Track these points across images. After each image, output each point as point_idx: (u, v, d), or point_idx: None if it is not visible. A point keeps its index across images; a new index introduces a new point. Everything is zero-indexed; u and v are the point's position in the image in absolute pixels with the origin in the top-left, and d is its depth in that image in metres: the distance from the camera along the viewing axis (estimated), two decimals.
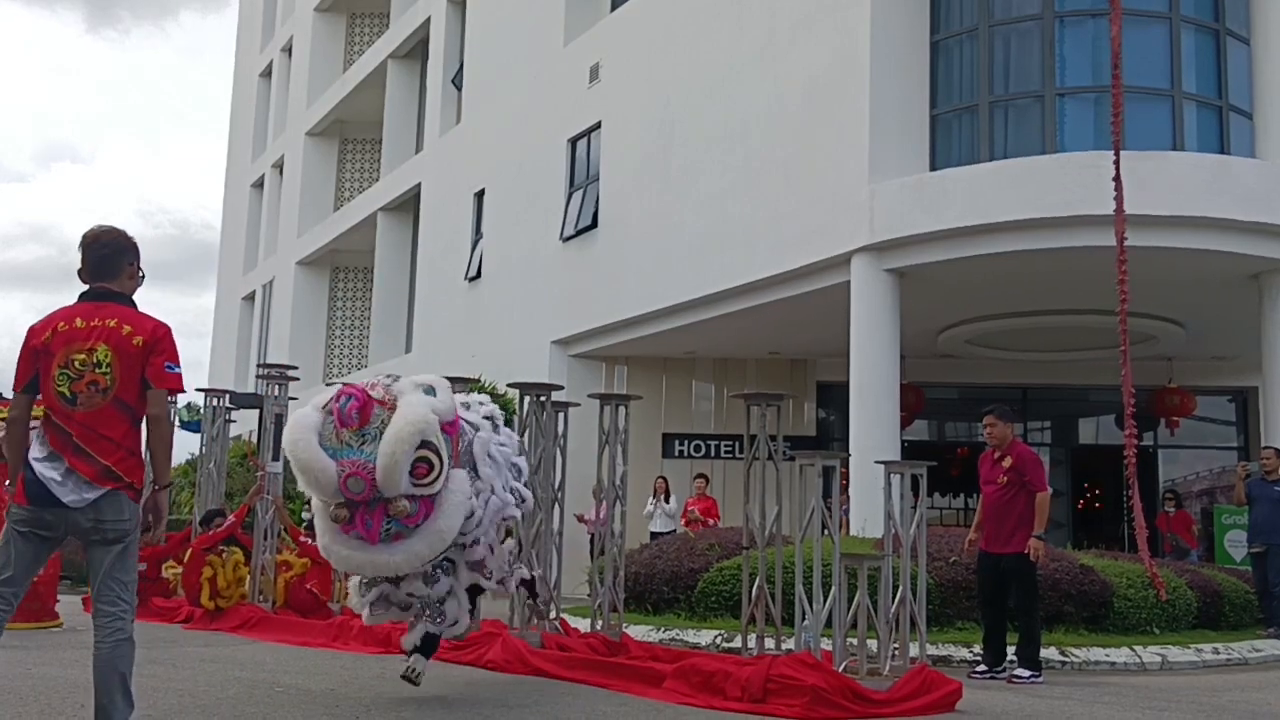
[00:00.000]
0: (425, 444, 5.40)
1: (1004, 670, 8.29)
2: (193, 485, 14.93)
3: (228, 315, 38.39)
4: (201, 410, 13.97)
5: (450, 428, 5.64)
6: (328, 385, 14.21)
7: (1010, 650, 8.39)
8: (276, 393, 11.57)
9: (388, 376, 5.84)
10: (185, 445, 25.42)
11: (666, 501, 15.97)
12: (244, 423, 21.59)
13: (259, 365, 17.46)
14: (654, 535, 14.91)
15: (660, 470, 17.57)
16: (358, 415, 5.44)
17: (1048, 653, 8.92)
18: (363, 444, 5.39)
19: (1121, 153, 11.20)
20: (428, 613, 6.03)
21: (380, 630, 8.17)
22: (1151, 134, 13.32)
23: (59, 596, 10.47)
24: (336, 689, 6.20)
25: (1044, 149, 13.44)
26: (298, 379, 12.29)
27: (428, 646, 6.03)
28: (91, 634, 4.15)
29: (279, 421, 11.38)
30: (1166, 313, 15.18)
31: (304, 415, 5.62)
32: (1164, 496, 17.15)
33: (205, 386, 16.02)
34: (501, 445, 6.46)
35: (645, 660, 7.61)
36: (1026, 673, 8.15)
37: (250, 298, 36.25)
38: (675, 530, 15.11)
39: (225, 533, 11.12)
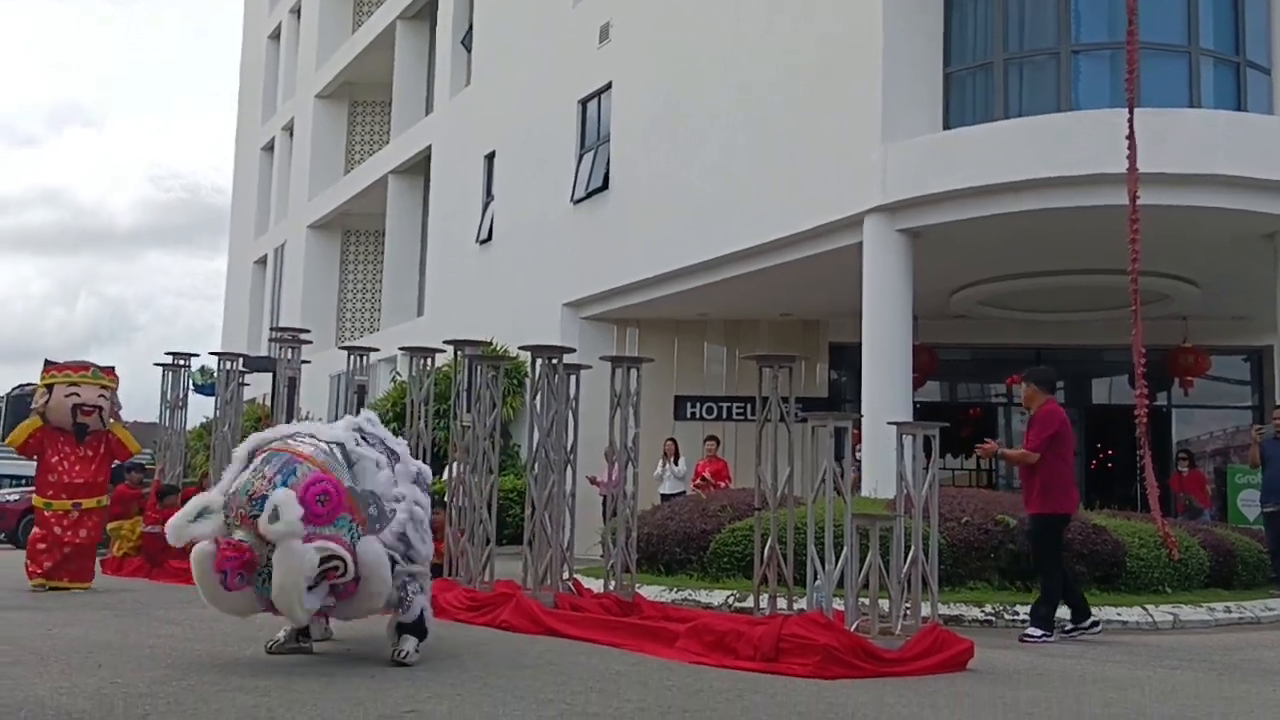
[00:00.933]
0: (323, 560, 5.36)
1: (1096, 625, 8.41)
2: (208, 449, 15.02)
3: (240, 279, 38.44)
4: (215, 374, 14.04)
5: (340, 502, 5.55)
6: (340, 349, 14.28)
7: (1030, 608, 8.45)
8: (290, 356, 11.62)
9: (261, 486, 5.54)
10: (200, 409, 25.57)
11: (675, 463, 15.99)
12: (257, 386, 21.68)
13: (272, 329, 17.51)
14: (664, 497, 14.95)
15: (672, 433, 17.59)
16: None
17: (1060, 612, 8.96)
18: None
19: (1136, 110, 11.10)
20: (399, 607, 5.95)
21: None
22: (1168, 91, 13.18)
23: None
24: (352, 649, 6.26)
25: (1059, 106, 13.32)
26: (310, 342, 12.34)
27: (416, 629, 5.96)
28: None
29: (292, 385, 11.46)
30: (1181, 272, 15.08)
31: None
32: (1177, 456, 17.12)
33: (218, 350, 16.09)
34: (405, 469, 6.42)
35: (658, 620, 7.66)
36: (1038, 632, 8.21)
37: (262, 261, 36.29)
38: (684, 492, 15.17)
39: None
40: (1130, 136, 10.93)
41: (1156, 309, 15.71)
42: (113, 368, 10.58)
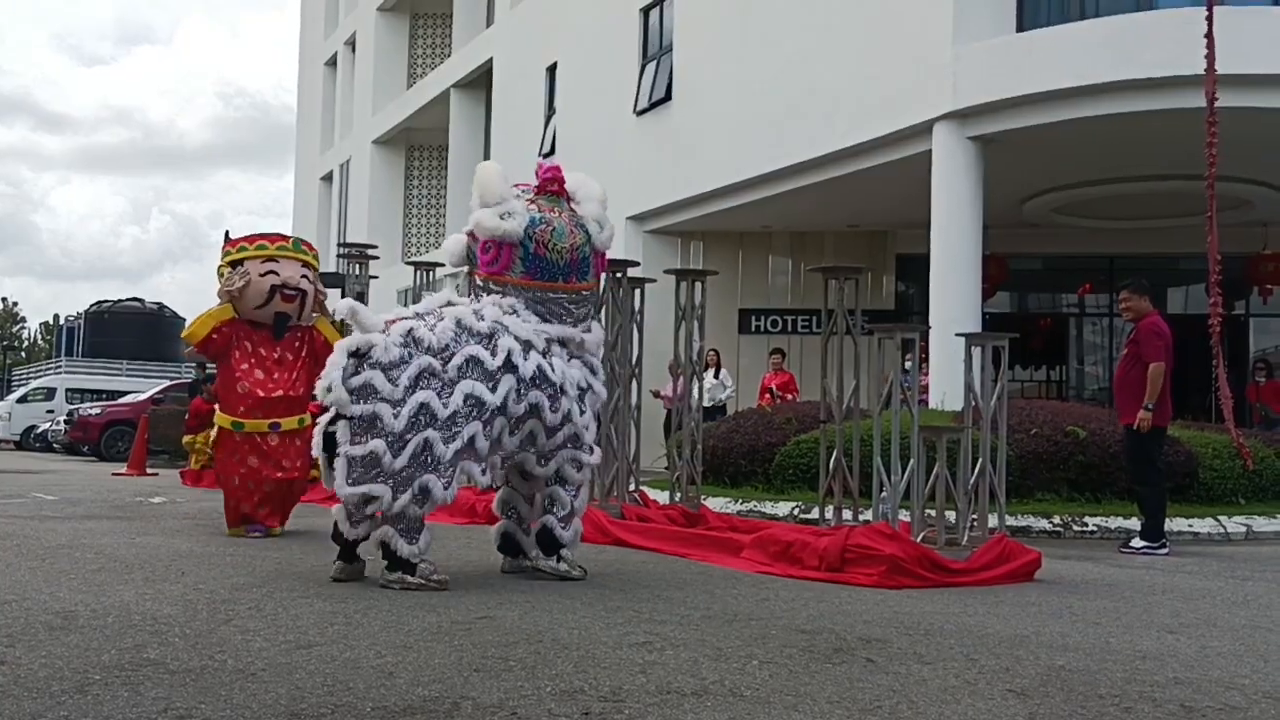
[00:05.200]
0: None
1: (1164, 548, 8.20)
2: None
3: (306, 195, 38.75)
4: None
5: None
6: (406, 264, 14.42)
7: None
8: (357, 271, 11.73)
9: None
10: None
11: (715, 376, 15.21)
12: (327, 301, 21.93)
13: (339, 244, 17.65)
14: (707, 413, 14.29)
15: (736, 347, 17.53)
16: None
17: (1129, 524, 8.91)
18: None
19: (1216, 8, 10.67)
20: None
21: (464, 501, 8.38)
22: None
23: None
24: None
25: (1137, 6, 12.88)
26: (377, 257, 12.43)
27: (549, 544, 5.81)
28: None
29: (360, 300, 11.58)
30: (1262, 176, 14.63)
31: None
32: (1255, 366, 16.77)
33: None
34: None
35: (723, 530, 7.72)
36: (1141, 543, 8.18)
37: (328, 178, 36.52)
38: (721, 405, 14.84)
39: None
40: (1209, 37, 10.53)
41: (1235, 215, 15.27)
42: (310, 243, 8.01)
